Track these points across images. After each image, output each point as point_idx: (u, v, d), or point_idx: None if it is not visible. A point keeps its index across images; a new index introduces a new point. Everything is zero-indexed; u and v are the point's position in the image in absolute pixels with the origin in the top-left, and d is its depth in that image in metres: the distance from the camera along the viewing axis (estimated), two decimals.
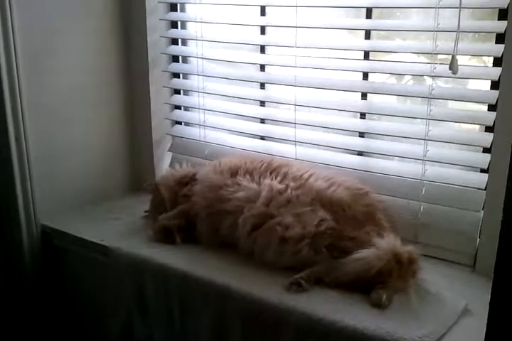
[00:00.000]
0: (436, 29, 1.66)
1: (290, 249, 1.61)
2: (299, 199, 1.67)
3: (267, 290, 1.54)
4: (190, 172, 1.98)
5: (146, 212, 2.05)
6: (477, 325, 1.24)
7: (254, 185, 1.75)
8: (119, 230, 1.98)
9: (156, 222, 1.88)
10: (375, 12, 1.84)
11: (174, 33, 2.31)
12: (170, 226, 1.85)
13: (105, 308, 1.95)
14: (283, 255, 1.63)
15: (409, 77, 1.92)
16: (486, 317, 1.16)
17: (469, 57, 1.77)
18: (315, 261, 1.59)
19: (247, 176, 1.79)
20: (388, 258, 1.49)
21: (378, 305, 1.45)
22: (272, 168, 1.80)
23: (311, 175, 1.74)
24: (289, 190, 1.70)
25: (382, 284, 1.48)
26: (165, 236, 1.84)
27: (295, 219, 1.63)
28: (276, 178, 1.75)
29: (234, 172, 1.81)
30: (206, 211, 1.80)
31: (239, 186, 1.76)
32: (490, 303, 1.16)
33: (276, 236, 1.63)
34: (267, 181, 1.74)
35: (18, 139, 1.96)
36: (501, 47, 1.56)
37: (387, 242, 1.54)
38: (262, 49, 2.11)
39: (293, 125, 2.00)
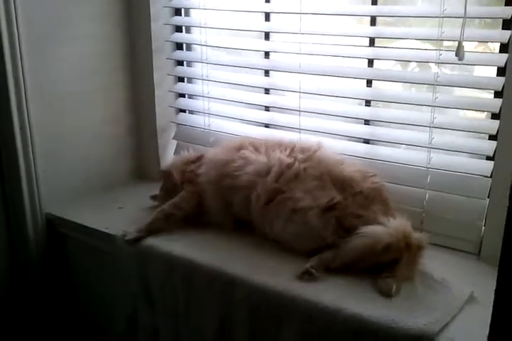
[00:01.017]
0: (442, 15, 1.64)
1: (298, 218, 1.62)
2: (307, 173, 1.68)
3: (273, 278, 1.54)
4: (198, 153, 2.00)
5: (153, 197, 2.04)
6: (482, 312, 1.24)
7: (263, 158, 1.76)
8: (124, 218, 1.98)
9: (160, 208, 1.87)
10: None
11: (178, 20, 2.30)
12: (172, 212, 1.85)
13: (110, 297, 1.95)
14: (292, 224, 1.63)
15: (415, 64, 1.91)
16: (492, 304, 1.16)
17: (476, 44, 1.76)
18: (323, 235, 1.59)
19: (252, 149, 1.81)
20: (398, 236, 1.50)
21: (388, 295, 1.45)
22: (279, 143, 1.82)
23: (319, 148, 1.76)
24: (296, 163, 1.71)
25: (390, 272, 1.48)
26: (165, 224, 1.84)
27: (305, 194, 1.64)
28: (285, 151, 1.77)
29: (239, 148, 1.83)
30: (215, 187, 1.80)
31: (245, 160, 1.77)
32: (495, 291, 1.15)
33: (287, 207, 1.65)
34: (276, 154, 1.76)
35: (22, 128, 1.96)
36: (508, 33, 1.55)
37: (399, 223, 1.55)
38: (267, 36, 2.10)
39: (297, 112, 2.00)
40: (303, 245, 1.62)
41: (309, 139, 1.84)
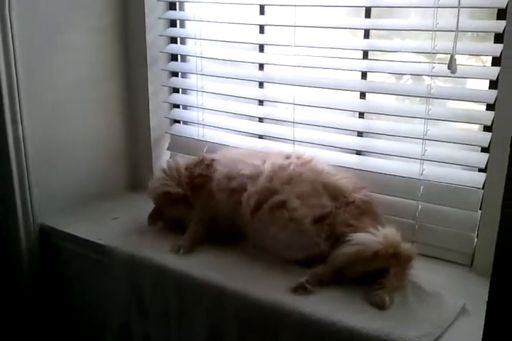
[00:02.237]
0: (435, 28, 1.66)
1: (293, 226, 1.62)
2: (302, 177, 1.69)
3: (264, 290, 1.53)
4: (202, 156, 1.97)
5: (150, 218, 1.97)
6: (475, 324, 1.24)
7: (258, 163, 1.78)
8: (117, 229, 1.98)
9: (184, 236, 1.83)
10: (374, 11, 1.83)
11: (173, 31, 2.31)
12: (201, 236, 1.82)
13: (103, 307, 1.94)
14: (285, 231, 1.63)
15: (408, 76, 1.93)
16: (484, 316, 1.16)
17: (468, 56, 1.77)
18: (315, 242, 1.60)
19: (257, 158, 1.82)
20: (386, 245, 1.50)
21: (382, 307, 1.45)
22: (278, 152, 1.84)
23: (313, 158, 1.78)
24: (292, 166, 1.72)
25: (380, 284, 1.49)
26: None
27: (299, 201, 1.64)
28: (280, 157, 1.79)
29: (251, 156, 1.85)
30: (226, 183, 1.79)
31: (246, 165, 1.79)
32: (487, 303, 1.15)
33: (282, 215, 1.64)
34: (271, 159, 1.78)
35: (16, 138, 1.96)
36: (500, 46, 1.56)
37: (388, 231, 1.55)
38: (261, 48, 2.11)
39: (291, 124, 2.00)
40: (296, 253, 1.62)
41: (304, 151, 1.84)
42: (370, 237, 1.53)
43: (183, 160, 2.00)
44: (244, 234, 1.76)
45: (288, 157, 1.79)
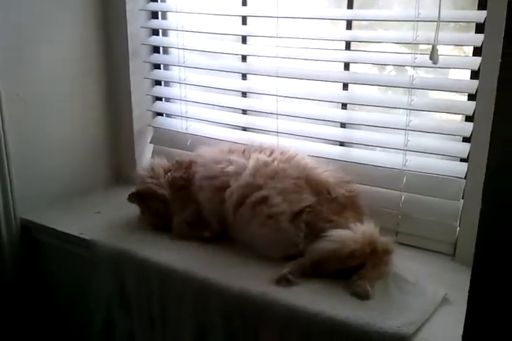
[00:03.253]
0: (416, 19, 1.66)
1: (271, 222, 1.62)
2: (286, 173, 1.69)
3: (248, 283, 1.53)
4: (179, 159, 1.95)
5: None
6: (456, 313, 1.26)
7: (243, 160, 1.77)
8: (99, 223, 1.96)
9: (176, 221, 1.83)
10: (356, 2, 1.83)
11: (155, 23, 2.29)
12: (191, 219, 1.82)
13: (86, 302, 1.93)
14: (264, 228, 1.63)
15: (392, 67, 1.93)
16: (466, 305, 1.17)
17: (451, 47, 1.78)
18: (294, 240, 1.60)
19: (240, 154, 1.80)
20: (364, 242, 1.51)
21: (365, 297, 1.45)
22: (262, 148, 1.82)
23: (297, 154, 1.77)
24: (275, 162, 1.72)
25: (359, 275, 1.50)
26: (192, 233, 1.80)
27: (281, 197, 1.64)
28: (264, 153, 1.77)
29: (230, 152, 1.83)
30: (208, 182, 1.78)
31: (230, 163, 1.77)
32: (469, 292, 1.16)
33: (262, 213, 1.64)
34: (255, 155, 1.76)
35: None
36: (481, 36, 1.56)
37: (366, 228, 1.56)
38: (244, 39, 2.10)
39: (275, 116, 2.00)
40: (275, 252, 1.62)
41: (289, 146, 1.84)
42: (347, 235, 1.53)
43: (162, 162, 1.97)
44: (227, 229, 1.76)
45: (271, 153, 1.77)
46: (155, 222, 1.88)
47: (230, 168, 1.76)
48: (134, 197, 1.89)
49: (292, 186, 1.66)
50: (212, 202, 1.77)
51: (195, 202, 1.82)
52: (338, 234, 1.53)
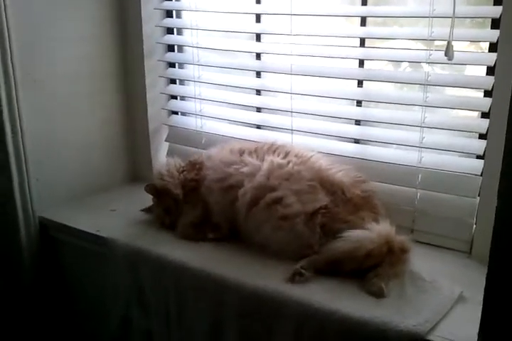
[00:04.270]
0: (431, 15, 1.64)
1: (286, 225, 1.62)
2: (300, 175, 1.68)
3: (263, 281, 1.54)
4: (192, 158, 1.96)
5: (145, 211, 1.99)
6: (473, 311, 1.25)
7: (257, 161, 1.76)
8: (116, 221, 1.98)
9: (182, 221, 1.85)
10: None
11: (169, 22, 2.30)
12: (197, 221, 1.83)
13: (104, 299, 1.95)
14: (279, 231, 1.63)
15: (407, 64, 1.92)
16: (481, 303, 1.16)
17: (468, 43, 1.76)
18: (309, 242, 1.60)
19: (253, 155, 1.80)
20: (381, 242, 1.51)
21: (380, 295, 1.45)
22: (274, 148, 1.81)
23: (312, 155, 1.77)
24: (290, 165, 1.71)
25: (374, 272, 1.49)
26: (196, 234, 1.81)
27: (295, 197, 1.64)
28: (278, 155, 1.77)
29: (242, 152, 1.83)
30: (218, 185, 1.78)
31: (244, 163, 1.77)
32: (485, 289, 1.16)
33: (275, 213, 1.64)
34: (269, 157, 1.76)
35: (14, 132, 1.95)
36: (497, 32, 1.55)
37: (382, 228, 1.55)
38: (258, 37, 2.10)
39: (289, 113, 2.00)
40: (290, 254, 1.61)
41: (303, 148, 1.83)
42: (364, 235, 1.52)
43: (176, 161, 1.98)
44: (238, 230, 1.76)
45: (286, 155, 1.77)
46: (163, 218, 1.90)
47: (245, 169, 1.75)
48: (152, 189, 1.92)
49: (307, 187, 1.66)
50: (222, 204, 1.77)
51: (204, 204, 1.83)
52: (354, 234, 1.53)
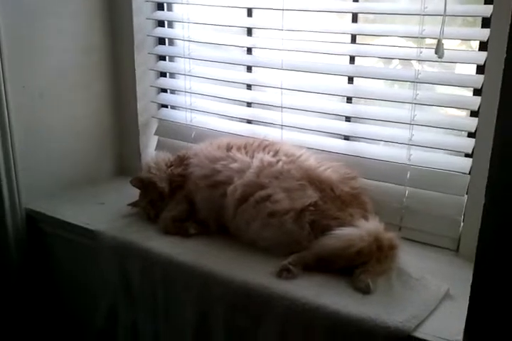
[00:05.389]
0: (422, 13, 1.65)
1: (275, 222, 1.62)
2: (290, 173, 1.69)
3: (251, 275, 1.54)
4: (181, 153, 1.96)
5: (132, 205, 1.97)
6: (459, 308, 1.26)
7: (247, 158, 1.76)
8: (105, 214, 1.98)
9: (164, 215, 1.85)
10: None
11: (160, 14, 2.28)
12: (181, 216, 1.82)
13: (91, 292, 1.94)
14: (267, 228, 1.64)
15: (398, 61, 1.92)
16: (468, 300, 1.17)
17: (459, 42, 1.77)
18: (298, 239, 1.60)
19: (242, 151, 1.80)
20: (370, 240, 1.51)
21: (366, 291, 1.46)
22: (264, 145, 1.81)
23: (302, 154, 1.77)
24: (280, 163, 1.72)
25: (362, 268, 1.50)
26: (177, 229, 1.80)
27: (284, 194, 1.64)
28: (268, 153, 1.77)
29: (229, 148, 1.83)
30: (204, 182, 1.78)
31: (233, 159, 1.77)
32: (471, 287, 1.17)
33: (264, 210, 1.64)
34: (260, 155, 1.76)
35: (1, 124, 1.93)
36: (487, 31, 1.55)
37: (371, 225, 1.56)
38: (249, 32, 2.10)
39: (279, 109, 2.00)
40: (279, 250, 1.61)
41: (294, 145, 1.84)
42: (353, 233, 1.53)
43: (165, 155, 1.98)
44: (226, 226, 1.76)
45: (276, 153, 1.77)
46: (148, 210, 1.90)
47: (234, 165, 1.75)
48: (138, 182, 1.92)
49: (296, 186, 1.66)
50: (209, 200, 1.78)
51: (189, 199, 1.83)
52: (344, 232, 1.53)
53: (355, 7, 1.85)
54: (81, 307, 2.11)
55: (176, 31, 2.27)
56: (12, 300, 2.10)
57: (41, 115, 2.09)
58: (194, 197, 1.82)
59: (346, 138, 1.95)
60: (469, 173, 1.68)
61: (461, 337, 1.22)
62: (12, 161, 1.99)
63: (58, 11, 2.06)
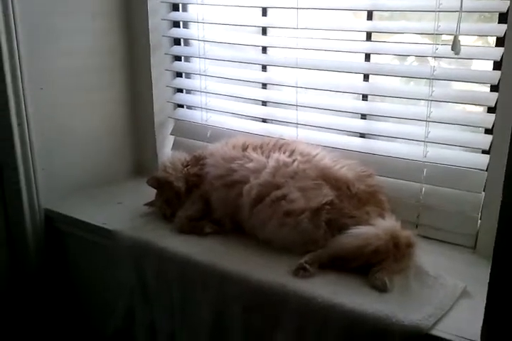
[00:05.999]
0: (438, 9, 1.64)
1: (291, 222, 1.62)
2: (305, 173, 1.68)
3: (267, 274, 1.54)
4: (197, 153, 1.97)
5: (149, 204, 1.98)
6: (476, 306, 1.25)
7: (262, 158, 1.77)
8: (122, 214, 1.99)
9: (179, 214, 1.86)
10: None
11: (175, 15, 2.30)
12: (197, 216, 1.83)
13: (108, 292, 1.96)
14: (284, 227, 1.63)
15: (413, 58, 1.91)
16: (485, 298, 1.16)
17: (476, 38, 1.75)
18: (314, 238, 1.60)
19: (258, 150, 1.80)
20: (387, 238, 1.50)
21: (383, 290, 1.45)
22: (279, 145, 1.81)
23: (317, 153, 1.77)
24: (295, 163, 1.71)
25: (379, 266, 1.49)
26: (193, 228, 1.81)
27: (300, 193, 1.64)
28: (284, 153, 1.77)
29: (245, 148, 1.83)
30: (219, 182, 1.79)
31: (248, 159, 1.77)
32: (489, 284, 1.16)
33: (280, 209, 1.64)
34: (275, 155, 1.76)
35: (20, 124, 1.96)
36: (504, 27, 1.54)
37: (388, 223, 1.56)
38: (264, 31, 2.10)
39: (295, 107, 2.00)
40: (295, 250, 1.61)
41: (310, 144, 1.83)
42: (370, 232, 1.52)
43: (181, 155, 1.99)
44: (243, 226, 1.76)
45: (291, 153, 1.77)
46: (164, 210, 1.91)
47: (250, 165, 1.75)
48: (154, 181, 1.93)
49: (312, 185, 1.66)
50: (225, 200, 1.78)
51: (204, 199, 1.83)
52: (361, 230, 1.53)
53: (370, 4, 1.84)
54: (98, 307, 2.13)
55: (191, 31, 2.28)
56: (30, 299, 2.13)
57: (59, 116, 2.11)
58: (210, 196, 1.83)
59: (362, 135, 1.94)
60: (486, 170, 1.66)
61: (478, 335, 1.21)
62: (31, 162, 2.01)
63: (75, 12, 2.08)
